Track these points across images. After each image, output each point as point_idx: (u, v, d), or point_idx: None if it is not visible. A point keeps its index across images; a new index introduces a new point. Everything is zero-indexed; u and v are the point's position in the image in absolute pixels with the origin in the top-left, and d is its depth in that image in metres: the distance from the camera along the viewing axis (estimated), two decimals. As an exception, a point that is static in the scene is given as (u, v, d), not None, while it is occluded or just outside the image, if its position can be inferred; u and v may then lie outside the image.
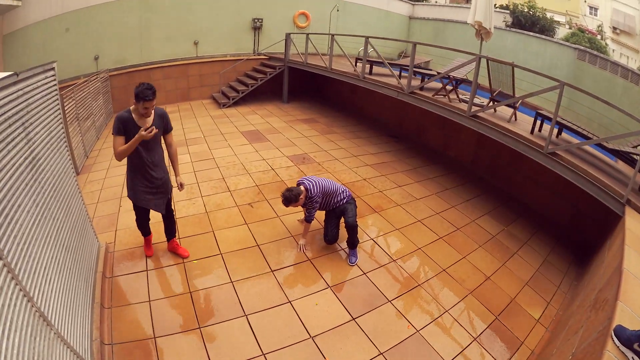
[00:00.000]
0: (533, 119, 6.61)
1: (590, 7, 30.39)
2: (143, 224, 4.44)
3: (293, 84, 13.70)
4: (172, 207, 4.59)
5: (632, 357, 2.40)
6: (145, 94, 3.53)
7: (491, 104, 7.10)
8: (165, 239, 4.77)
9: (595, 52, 15.89)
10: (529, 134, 6.42)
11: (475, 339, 4.09)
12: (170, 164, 4.24)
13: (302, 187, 4.79)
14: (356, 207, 5.11)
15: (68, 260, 3.20)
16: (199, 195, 6.37)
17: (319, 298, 4.32)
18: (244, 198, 6.35)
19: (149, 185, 4.06)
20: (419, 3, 21.42)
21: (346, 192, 5.07)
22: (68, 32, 10.83)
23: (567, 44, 16.81)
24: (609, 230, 5.57)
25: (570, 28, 22.05)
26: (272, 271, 4.64)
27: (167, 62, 12.80)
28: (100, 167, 7.68)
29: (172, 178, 4.32)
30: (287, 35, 12.79)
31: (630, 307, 2.86)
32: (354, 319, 4.08)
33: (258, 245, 5.09)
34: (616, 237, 4.73)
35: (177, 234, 4.89)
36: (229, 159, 7.96)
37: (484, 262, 5.49)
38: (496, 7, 22.56)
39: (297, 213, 5.90)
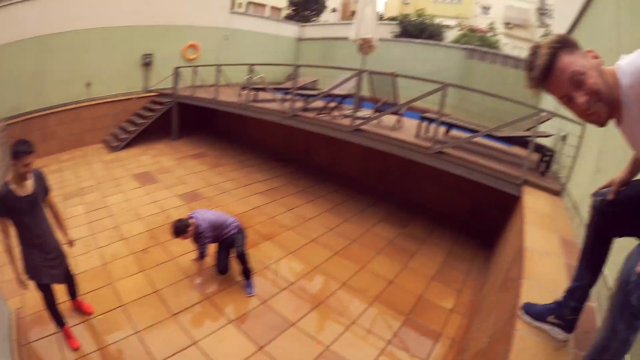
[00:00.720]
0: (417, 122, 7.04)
1: (483, 8, 32.94)
2: (53, 305, 4.12)
3: (183, 119, 13.66)
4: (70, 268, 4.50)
5: (551, 329, 2.38)
6: (22, 148, 3.39)
7: (375, 114, 7.58)
8: (67, 298, 4.66)
9: (483, 49, 16.81)
10: (414, 137, 6.87)
11: (389, 342, 4.44)
12: (57, 224, 4.15)
13: (191, 220, 4.99)
14: (245, 236, 5.40)
15: None
16: (95, 247, 6.30)
17: (224, 334, 4.48)
18: (138, 244, 6.38)
19: (48, 258, 3.89)
20: (308, 24, 22.19)
21: (235, 222, 5.36)
22: None
23: (455, 45, 17.72)
24: (511, 211, 6.02)
25: (460, 30, 23.37)
26: (174, 315, 4.76)
27: (61, 107, 12.21)
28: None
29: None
30: (176, 70, 12.83)
31: (537, 282, 2.95)
32: (261, 348, 4.27)
33: (157, 291, 5.19)
34: (517, 216, 5.12)
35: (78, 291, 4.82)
36: (122, 205, 7.90)
37: (384, 268, 5.89)
38: (384, 20, 23.85)
39: (190, 253, 6.04)
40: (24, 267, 3.78)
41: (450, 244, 6.76)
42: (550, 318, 2.36)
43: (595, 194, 2.01)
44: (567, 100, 1.46)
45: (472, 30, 22.67)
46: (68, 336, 4.29)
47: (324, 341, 4.41)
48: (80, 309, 4.71)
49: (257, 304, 5.02)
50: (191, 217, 5.06)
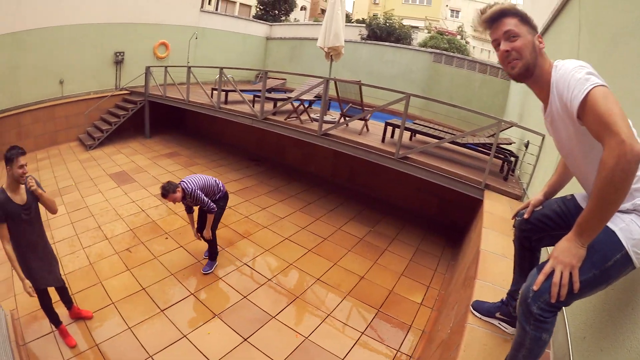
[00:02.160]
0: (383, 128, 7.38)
1: (452, 10, 33.45)
2: (50, 307, 4.26)
3: (155, 118, 13.75)
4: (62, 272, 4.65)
5: (499, 324, 2.68)
6: (16, 150, 3.50)
7: (342, 120, 7.96)
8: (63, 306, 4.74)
9: (450, 54, 17.16)
10: (380, 143, 7.25)
11: (363, 333, 4.81)
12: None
13: (180, 186, 5.26)
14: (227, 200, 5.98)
15: None
16: (80, 247, 6.51)
17: (210, 327, 4.76)
18: (122, 244, 6.60)
19: (43, 263, 4.04)
20: (276, 24, 22.35)
21: (223, 186, 5.81)
22: None
23: (423, 49, 18.03)
24: (475, 211, 6.34)
25: (429, 32, 23.63)
26: (162, 311, 5.01)
27: (35, 105, 12.14)
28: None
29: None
30: (147, 69, 12.92)
31: (490, 282, 3.28)
32: (245, 339, 4.55)
33: (144, 289, 5.44)
34: (479, 218, 5.34)
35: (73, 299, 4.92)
36: (102, 205, 8.08)
37: (355, 264, 6.28)
38: (352, 22, 24.10)
39: (173, 251, 6.42)
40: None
41: (418, 242, 7.15)
42: (498, 314, 2.67)
43: (515, 215, 2.37)
44: (496, 45, 1.91)
45: (441, 32, 23.04)
46: (64, 335, 4.44)
47: (303, 332, 4.73)
48: (80, 316, 4.81)
49: (238, 298, 5.33)
50: (180, 183, 5.31)
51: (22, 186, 3.76)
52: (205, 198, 5.33)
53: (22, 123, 11.77)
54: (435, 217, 8.21)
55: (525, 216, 2.25)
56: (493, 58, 26.72)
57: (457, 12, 33.57)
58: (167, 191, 5.07)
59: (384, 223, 7.83)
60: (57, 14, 12.15)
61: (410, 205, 8.61)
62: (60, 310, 4.60)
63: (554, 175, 2.35)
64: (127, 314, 4.95)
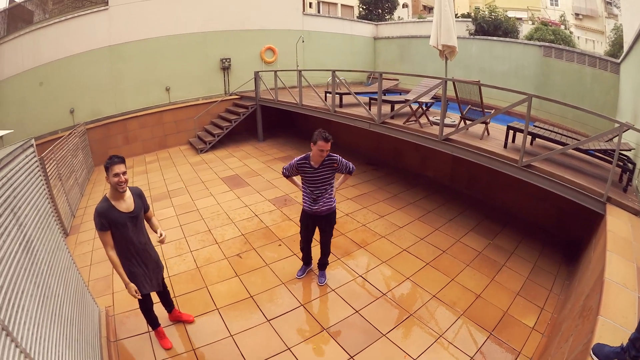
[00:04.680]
0: (505, 132, 6.75)
1: None
2: (150, 310, 4.29)
3: (267, 121, 13.87)
4: (165, 275, 4.60)
5: None
6: (111, 159, 3.55)
7: (462, 124, 7.30)
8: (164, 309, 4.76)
9: (560, 47, 15.89)
10: (502, 148, 6.60)
11: (472, 358, 4.23)
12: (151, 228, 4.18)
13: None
14: None
15: (74, 332, 3.30)
16: (188, 250, 6.44)
17: (317, 341, 4.42)
18: (232, 249, 6.43)
19: (146, 270, 4.01)
20: (382, 23, 21.91)
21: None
22: (42, 86, 10.93)
23: (532, 42, 16.81)
24: (595, 226, 5.64)
25: (533, 23, 22.37)
26: (268, 320, 4.73)
27: (142, 111, 12.92)
28: (88, 226, 7.64)
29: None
30: (256, 74, 13.08)
31: (612, 319, 2.91)
32: (352, 357, 4.17)
33: (252, 297, 5.18)
34: (600, 236, 4.81)
35: (173, 301, 4.88)
36: (213, 209, 8.04)
37: (472, 281, 5.64)
38: (458, 17, 23.13)
39: (286, 258, 6.09)
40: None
41: (535, 257, 6.39)
42: None
43: None
44: None
45: (544, 23, 21.39)
46: (161, 336, 4.43)
47: (412, 354, 4.26)
48: (180, 320, 4.77)
49: (350, 312, 4.90)
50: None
51: (128, 193, 3.78)
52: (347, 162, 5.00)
53: (129, 128, 12.53)
54: (552, 229, 7.29)
55: None
56: (598, 48, 24.26)
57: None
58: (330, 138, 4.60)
59: (503, 235, 7.05)
60: (152, 26, 12.91)
61: (528, 215, 7.73)
62: (160, 311, 4.57)
63: None
64: (231, 321, 4.78)
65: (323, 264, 5.55)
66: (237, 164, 11.16)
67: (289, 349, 4.30)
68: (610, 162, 5.40)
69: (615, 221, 4.72)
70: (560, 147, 6.05)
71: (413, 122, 8.09)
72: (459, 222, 7.41)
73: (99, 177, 10.86)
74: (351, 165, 5.01)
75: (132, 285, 3.74)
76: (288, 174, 5.02)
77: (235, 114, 13.38)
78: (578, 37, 24.53)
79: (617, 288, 3.30)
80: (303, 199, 5.01)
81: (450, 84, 7.29)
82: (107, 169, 3.56)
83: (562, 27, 22.85)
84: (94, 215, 3.58)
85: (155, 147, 13.23)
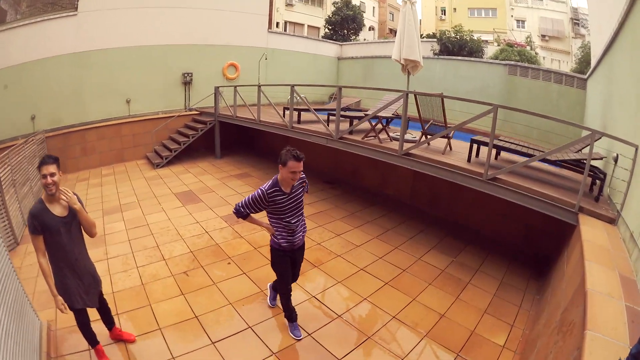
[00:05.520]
0: (469, 146, 6.75)
1: (518, 21, 32.59)
2: (86, 326, 4.01)
3: (225, 138, 13.73)
4: (108, 291, 4.42)
5: None
6: (43, 159, 3.42)
7: (423, 138, 7.31)
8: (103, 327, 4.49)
9: (525, 65, 16.48)
10: (465, 162, 6.60)
11: None
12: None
13: None
14: None
15: (10, 344, 3.08)
16: (134, 265, 6.18)
17: None
18: (179, 266, 6.20)
19: (81, 282, 3.79)
20: (347, 43, 22.21)
21: None
22: (7, 89, 10.54)
23: (497, 62, 17.37)
24: (566, 239, 5.65)
25: (498, 45, 23.05)
26: (213, 343, 4.51)
27: (101, 122, 12.61)
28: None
29: None
30: (216, 89, 12.98)
31: (602, 333, 2.75)
32: None
33: (197, 317, 4.95)
34: (573, 247, 4.80)
35: (115, 319, 4.65)
36: (163, 224, 7.81)
37: (435, 300, 5.55)
38: (423, 37, 23.66)
39: (234, 277, 5.89)
40: (56, 287, 3.64)
41: (502, 273, 6.36)
42: None
43: None
44: None
45: (510, 44, 22.19)
46: (100, 355, 4.17)
47: None
48: (120, 338, 4.51)
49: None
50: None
51: (60, 198, 3.56)
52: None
53: (88, 139, 12.17)
54: (519, 245, 7.36)
55: None
56: (564, 67, 25.36)
57: (523, 22, 32.49)
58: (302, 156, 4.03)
59: (467, 252, 7.03)
60: (120, 35, 12.69)
61: (493, 232, 7.78)
62: (101, 328, 4.32)
63: None
64: (174, 342, 4.52)
65: (275, 287, 5.14)
66: (192, 180, 10.97)
67: (234, 375, 4.05)
68: (580, 173, 5.48)
69: (591, 230, 4.72)
70: (527, 158, 6.04)
71: (372, 137, 8.08)
72: (419, 240, 7.39)
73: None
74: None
75: (60, 298, 3.55)
76: (249, 212, 4.10)
77: (194, 130, 13.19)
78: (544, 58, 25.62)
79: (602, 298, 3.20)
80: (275, 237, 4.24)
81: (412, 98, 7.28)
82: (38, 167, 3.44)
83: (528, 48, 23.68)
84: (27, 216, 3.49)
85: (112, 160, 12.87)
